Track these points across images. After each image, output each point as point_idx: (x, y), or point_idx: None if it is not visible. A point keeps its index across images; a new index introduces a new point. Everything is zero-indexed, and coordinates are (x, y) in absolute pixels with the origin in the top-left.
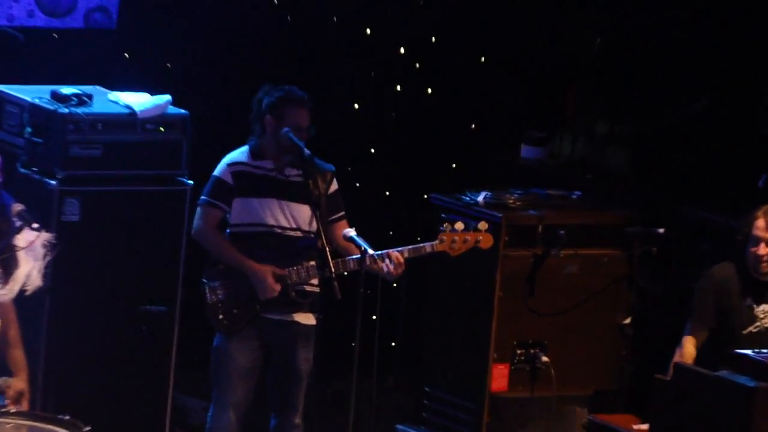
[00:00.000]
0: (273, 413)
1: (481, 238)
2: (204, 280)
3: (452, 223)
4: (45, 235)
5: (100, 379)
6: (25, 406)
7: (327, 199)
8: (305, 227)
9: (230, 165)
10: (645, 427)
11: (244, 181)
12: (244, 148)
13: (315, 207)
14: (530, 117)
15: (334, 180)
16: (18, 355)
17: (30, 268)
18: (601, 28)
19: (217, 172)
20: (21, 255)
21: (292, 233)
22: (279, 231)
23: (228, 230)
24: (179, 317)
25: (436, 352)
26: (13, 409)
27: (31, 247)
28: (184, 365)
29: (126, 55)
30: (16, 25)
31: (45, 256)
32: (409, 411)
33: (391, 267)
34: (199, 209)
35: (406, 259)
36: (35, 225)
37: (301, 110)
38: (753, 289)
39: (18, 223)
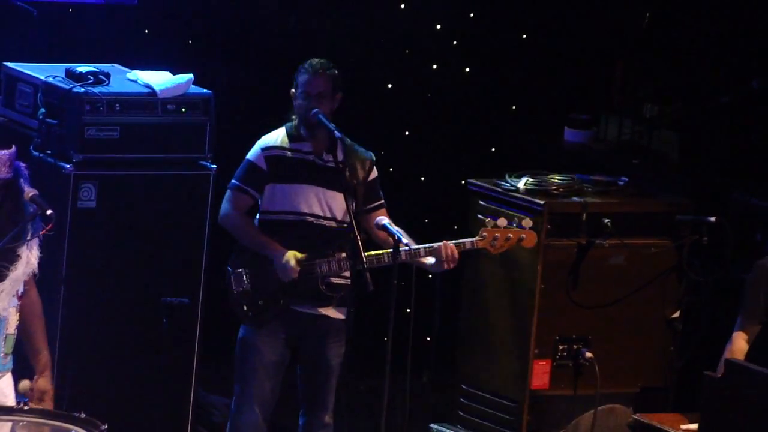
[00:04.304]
0: (301, 411)
1: (524, 236)
2: (229, 268)
3: (494, 219)
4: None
5: (118, 374)
6: (48, 406)
7: (365, 186)
8: (340, 216)
9: (264, 149)
10: (694, 427)
11: (279, 167)
12: (281, 130)
13: (350, 194)
14: (574, 98)
15: (374, 168)
16: (43, 352)
17: (27, 255)
18: (650, 3)
19: (250, 156)
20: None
21: (325, 222)
22: (311, 219)
23: (258, 217)
24: (202, 309)
25: (473, 348)
26: (28, 407)
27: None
28: (207, 360)
29: (146, 31)
30: None
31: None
32: (444, 409)
33: (445, 265)
34: (228, 193)
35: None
36: (50, 211)
37: (311, 77)
38: None
39: (31, 209)
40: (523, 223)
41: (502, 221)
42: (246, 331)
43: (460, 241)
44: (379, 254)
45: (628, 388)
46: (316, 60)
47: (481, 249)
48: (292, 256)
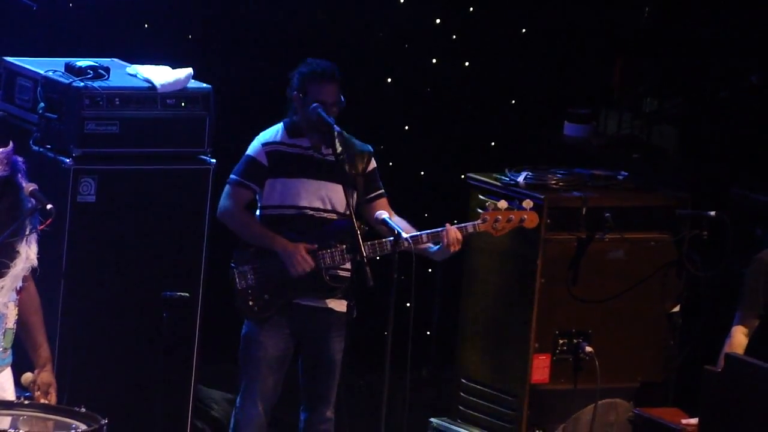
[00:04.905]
0: (303, 406)
1: (525, 216)
2: (233, 265)
3: (495, 202)
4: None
5: (118, 368)
6: (53, 399)
7: (364, 177)
8: (341, 209)
9: (265, 145)
10: (694, 421)
11: (279, 162)
12: (279, 126)
13: (349, 186)
14: (574, 92)
15: (372, 159)
16: (43, 346)
17: (26, 251)
18: None
19: (250, 151)
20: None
21: (326, 215)
22: (312, 213)
23: (258, 212)
24: (202, 304)
25: (473, 342)
26: (28, 401)
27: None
28: (207, 354)
29: (146, 25)
30: None
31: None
32: (444, 404)
33: (450, 248)
34: (228, 188)
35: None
36: (49, 206)
37: (326, 86)
38: None
39: (30, 203)
40: (524, 203)
41: (502, 203)
42: (249, 326)
43: (462, 225)
44: (382, 242)
45: (628, 382)
46: (322, 64)
47: (483, 232)
48: (303, 249)
